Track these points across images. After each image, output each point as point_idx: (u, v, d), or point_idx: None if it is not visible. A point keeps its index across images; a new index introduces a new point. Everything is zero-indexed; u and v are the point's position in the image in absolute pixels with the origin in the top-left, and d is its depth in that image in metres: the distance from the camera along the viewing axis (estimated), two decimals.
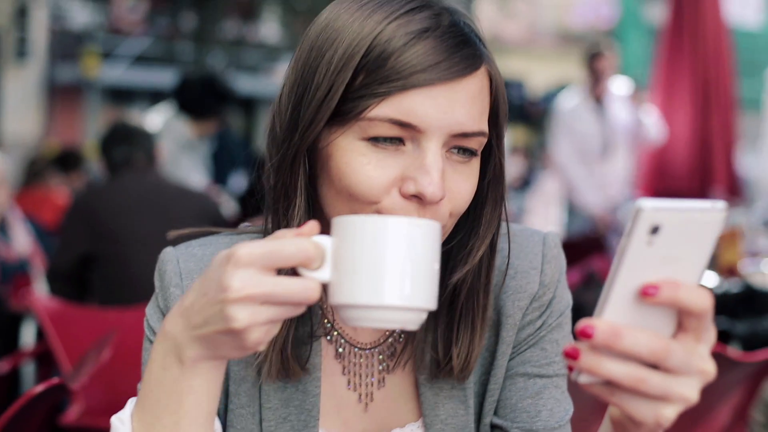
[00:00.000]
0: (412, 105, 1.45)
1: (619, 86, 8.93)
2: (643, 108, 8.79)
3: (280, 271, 1.28)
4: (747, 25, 21.81)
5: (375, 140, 1.47)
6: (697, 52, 8.94)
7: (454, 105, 1.47)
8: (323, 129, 1.50)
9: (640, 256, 1.14)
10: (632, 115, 8.74)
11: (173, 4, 17.25)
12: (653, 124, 8.90)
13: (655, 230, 1.13)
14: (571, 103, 8.93)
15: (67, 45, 23.18)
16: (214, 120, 7.98)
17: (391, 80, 1.44)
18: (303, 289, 1.24)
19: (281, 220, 1.55)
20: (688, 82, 8.96)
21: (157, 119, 7.95)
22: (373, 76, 1.45)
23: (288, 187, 1.54)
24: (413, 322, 1.31)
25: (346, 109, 1.47)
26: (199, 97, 7.83)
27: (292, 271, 1.29)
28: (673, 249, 1.15)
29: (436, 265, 1.32)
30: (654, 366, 1.17)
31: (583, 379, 1.20)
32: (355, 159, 1.47)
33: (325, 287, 1.30)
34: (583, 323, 1.15)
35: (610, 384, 1.19)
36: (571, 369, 1.20)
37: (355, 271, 1.27)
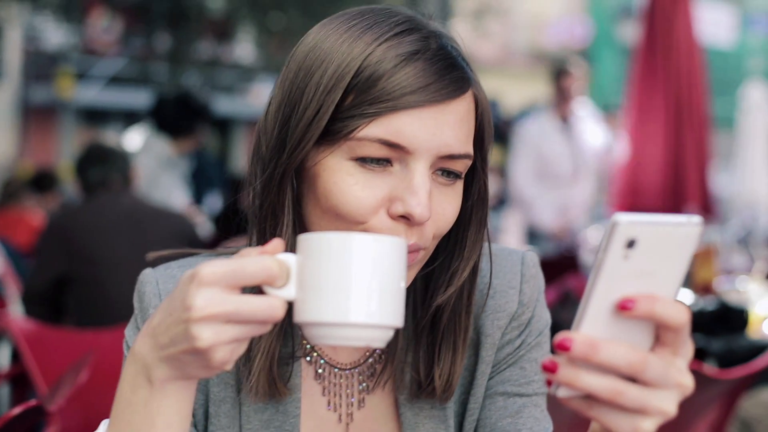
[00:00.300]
0: (402, 126, 1.46)
1: (586, 106, 8.95)
2: (615, 131, 8.82)
3: (250, 290, 1.28)
4: (719, 44, 21.97)
5: (363, 161, 1.48)
6: (670, 71, 8.97)
7: (443, 127, 1.48)
8: (311, 148, 1.51)
9: (617, 270, 1.15)
10: (601, 138, 8.77)
11: (148, 25, 17.19)
12: (620, 148, 8.96)
13: (631, 244, 1.13)
14: (535, 123, 8.95)
15: (41, 66, 23.14)
16: (192, 137, 7.98)
17: (382, 101, 1.46)
18: (267, 307, 1.24)
19: (268, 239, 1.54)
20: (662, 101, 8.99)
21: (136, 139, 7.94)
22: (363, 96, 1.47)
23: (275, 206, 1.54)
24: (380, 339, 1.30)
25: (335, 129, 1.48)
26: (175, 115, 7.84)
27: (259, 290, 1.28)
28: (650, 263, 1.15)
29: (402, 282, 1.31)
30: (632, 379, 1.18)
31: (561, 392, 1.20)
32: (342, 179, 1.48)
33: (292, 306, 1.30)
34: (561, 336, 1.15)
35: (589, 398, 1.19)
36: (549, 383, 1.21)
37: (320, 289, 1.26)
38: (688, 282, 5.93)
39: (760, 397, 4.66)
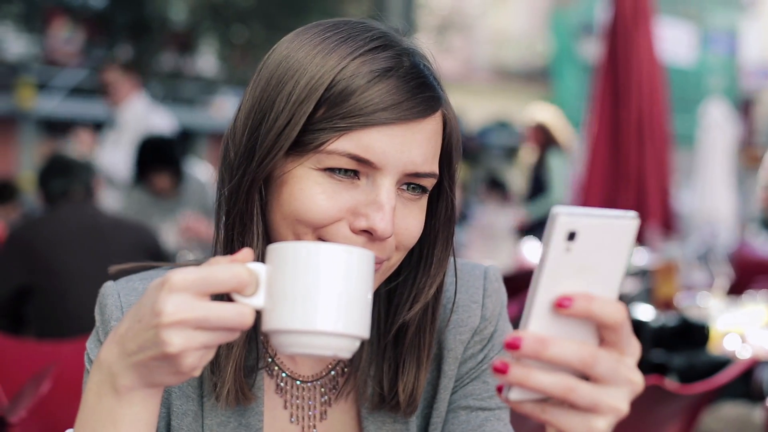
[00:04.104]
0: (371, 142, 1.47)
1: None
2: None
3: (218, 299, 1.28)
4: (680, 62, 22.12)
5: (331, 171, 1.49)
6: (631, 88, 9.00)
7: (411, 145, 1.49)
8: (280, 158, 1.50)
9: (559, 264, 1.16)
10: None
11: (109, 36, 17.17)
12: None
13: (571, 236, 1.15)
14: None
15: (1, 76, 22.98)
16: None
17: (353, 116, 1.46)
18: (236, 314, 1.24)
19: (236, 246, 1.54)
20: (623, 118, 9.03)
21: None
22: (335, 110, 1.47)
23: (243, 214, 1.54)
24: (346, 349, 1.30)
25: (305, 141, 1.48)
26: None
27: (228, 298, 1.28)
28: (590, 257, 1.17)
29: (369, 294, 1.32)
30: (583, 378, 1.18)
31: (513, 395, 1.20)
32: (309, 187, 1.49)
33: (260, 316, 1.30)
34: (511, 336, 1.16)
35: (541, 402, 1.20)
36: (500, 390, 1.21)
37: (288, 297, 1.27)
38: (650, 297, 5.96)
39: (721, 412, 4.69)
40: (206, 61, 19.99)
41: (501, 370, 1.17)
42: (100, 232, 5.20)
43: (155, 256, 5.25)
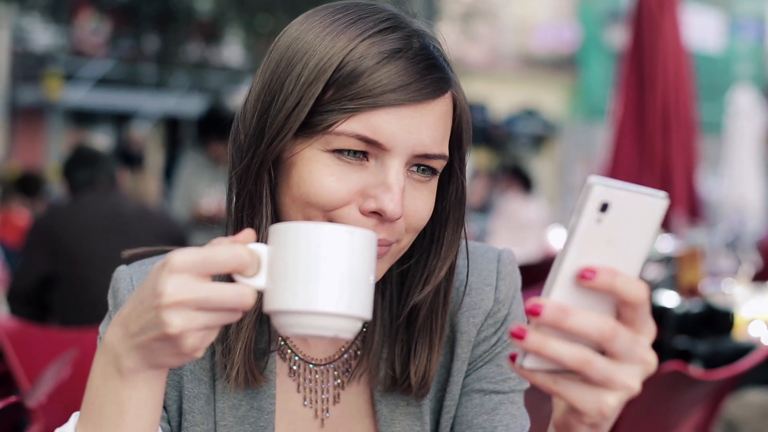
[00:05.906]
0: (380, 123, 1.47)
1: None
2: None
3: (221, 280, 1.28)
4: (707, 49, 22.00)
5: (340, 152, 1.49)
6: (658, 75, 8.98)
7: (420, 126, 1.49)
8: (289, 140, 1.50)
9: (589, 235, 1.15)
10: None
11: (136, 27, 17.15)
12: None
13: (604, 207, 1.14)
14: None
15: (29, 67, 23.04)
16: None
17: (362, 97, 1.46)
18: (237, 294, 1.24)
19: (245, 228, 1.54)
20: (649, 106, 9.00)
21: None
22: (343, 91, 1.47)
23: (253, 196, 1.55)
24: (348, 330, 1.29)
25: (313, 122, 1.48)
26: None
27: (230, 279, 1.28)
28: (620, 231, 1.16)
29: (371, 275, 1.31)
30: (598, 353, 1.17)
31: (528, 363, 1.19)
32: (318, 169, 1.49)
33: (262, 296, 1.30)
34: (532, 302, 1.15)
35: (554, 374, 1.19)
36: (513, 359, 1.20)
37: (289, 278, 1.26)
38: (674, 284, 5.94)
39: (745, 399, 4.67)
40: (232, 50, 19.97)
41: (518, 336, 1.16)
42: (123, 222, 5.22)
43: (179, 246, 5.26)
